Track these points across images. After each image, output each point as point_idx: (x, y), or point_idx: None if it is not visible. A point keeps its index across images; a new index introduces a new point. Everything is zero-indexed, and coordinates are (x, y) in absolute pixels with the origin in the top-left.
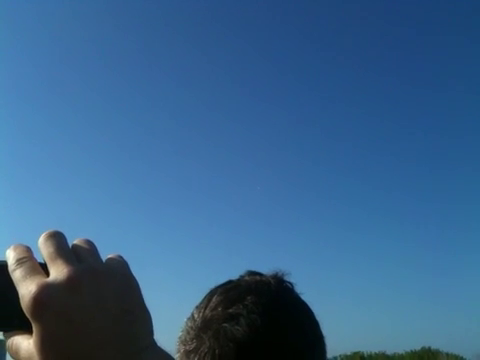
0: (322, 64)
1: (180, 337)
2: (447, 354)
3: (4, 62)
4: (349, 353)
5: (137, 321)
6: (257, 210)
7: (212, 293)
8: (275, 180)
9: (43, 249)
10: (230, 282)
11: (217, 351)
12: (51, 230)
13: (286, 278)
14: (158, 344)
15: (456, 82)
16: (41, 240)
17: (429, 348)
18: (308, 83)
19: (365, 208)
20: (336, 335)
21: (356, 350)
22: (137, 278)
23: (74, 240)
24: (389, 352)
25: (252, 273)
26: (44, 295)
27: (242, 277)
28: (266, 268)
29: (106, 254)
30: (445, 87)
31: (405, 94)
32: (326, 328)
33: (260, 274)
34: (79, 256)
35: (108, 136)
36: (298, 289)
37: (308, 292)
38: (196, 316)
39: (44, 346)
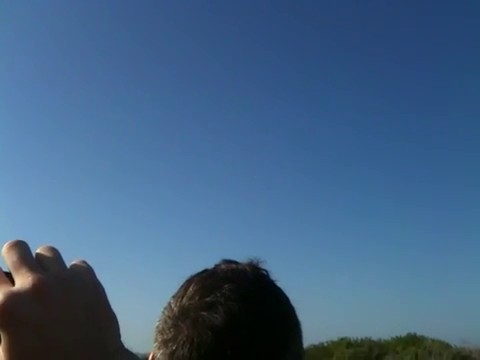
0: (323, 50)
1: (157, 327)
2: (432, 340)
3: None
4: (336, 339)
5: (104, 327)
6: (228, 199)
7: (189, 282)
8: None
9: (7, 259)
10: (206, 271)
11: (195, 340)
12: (14, 240)
13: (261, 266)
14: (126, 345)
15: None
16: (4, 250)
17: (415, 334)
18: (305, 71)
19: (351, 191)
20: (323, 322)
21: (343, 336)
22: (104, 281)
23: (37, 248)
24: (375, 338)
25: (227, 261)
26: (10, 304)
27: (218, 266)
28: (243, 258)
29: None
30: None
31: (402, 79)
32: (313, 315)
33: (235, 262)
34: (43, 264)
35: (100, 124)
36: (273, 276)
37: (297, 278)
38: (173, 305)
39: (14, 355)
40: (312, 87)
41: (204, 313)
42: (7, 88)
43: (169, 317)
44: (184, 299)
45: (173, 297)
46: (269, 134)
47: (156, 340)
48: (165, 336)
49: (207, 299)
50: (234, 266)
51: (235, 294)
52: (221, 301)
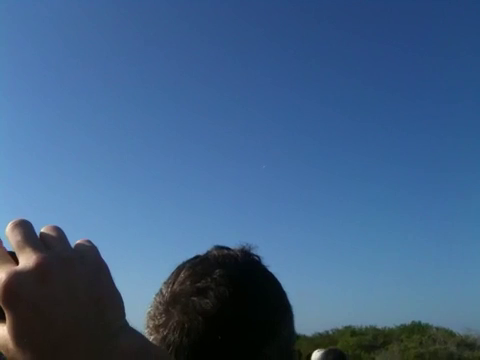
0: (330, 40)
1: (149, 313)
2: (437, 328)
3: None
4: (340, 327)
5: (108, 306)
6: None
7: (180, 268)
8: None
9: (11, 238)
10: (197, 257)
11: (186, 325)
12: (17, 219)
13: (253, 251)
14: (130, 324)
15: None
16: (8, 229)
17: (419, 322)
18: (321, 60)
19: (355, 180)
20: (328, 310)
21: (347, 324)
22: (107, 261)
23: (41, 228)
24: (380, 326)
25: (219, 247)
26: (14, 283)
27: (209, 252)
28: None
29: (85, 233)
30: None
31: (406, 68)
32: (318, 303)
33: (227, 248)
34: (47, 243)
35: (104, 115)
36: (265, 262)
37: (302, 267)
38: (164, 291)
39: (16, 334)
40: (318, 76)
41: (195, 298)
42: (12, 81)
43: (160, 303)
44: (175, 285)
45: (164, 283)
46: (274, 121)
47: (147, 326)
48: (156, 322)
49: (198, 284)
50: (225, 252)
51: (226, 279)
52: (212, 286)
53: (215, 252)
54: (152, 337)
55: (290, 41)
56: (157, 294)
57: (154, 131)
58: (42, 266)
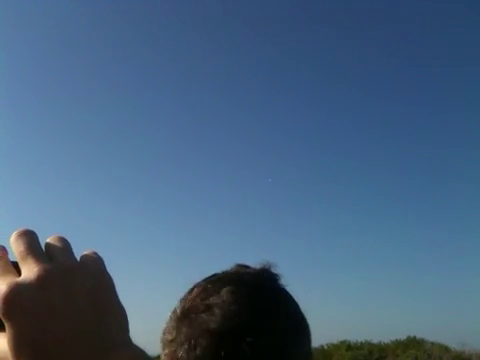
0: (337, 52)
1: (164, 328)
2: (432, 343)
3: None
4: (336, 342)
5: (109, 319)
6: (253, 205)
7: (195, 285)
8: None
9: (14, 248)
10: (215, 275)
11: (192, 341)
12: (22, 229)
13: (273, 270)
14: (135, 340)
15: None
16: (12, 239)
17: (414, 337)
18: (318, 71)
19: (351, 189)
20: (323, 324)
21: (343, 339)
22: (121, 273)
23: (47, 238)
24: (375, 341)
25: (239, 266)
26: (14, 295)
27: (227, 270)
28: (254, 260)
29: (96, 245)
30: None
31: (408, 77)
32: (314, 317)
33: (246, 266)
34: (51, 254)
35: (109, 122)
36: (285, 281)
37: (299, 282)
38: (177, 307)
39: (16, 345)
40: (323, 86)
41: (203, 315)
42: (12, 86)
43: (172, 319)
44: (187, 301)
45: (179, 300)
46: (279, 133)
47: (162, 341)
48: (168, 337)
49: (207, 301)
50: (243, 270)
51: (234, 297)
52: (219, 303)
53: (233, 270)
54: (165, 351)
55: (304, 56)
56: (172, 310)
57: (169, 143)
58: (43, 277)
